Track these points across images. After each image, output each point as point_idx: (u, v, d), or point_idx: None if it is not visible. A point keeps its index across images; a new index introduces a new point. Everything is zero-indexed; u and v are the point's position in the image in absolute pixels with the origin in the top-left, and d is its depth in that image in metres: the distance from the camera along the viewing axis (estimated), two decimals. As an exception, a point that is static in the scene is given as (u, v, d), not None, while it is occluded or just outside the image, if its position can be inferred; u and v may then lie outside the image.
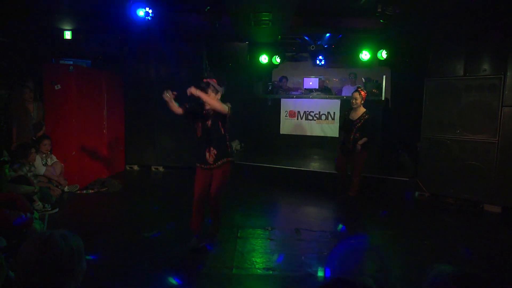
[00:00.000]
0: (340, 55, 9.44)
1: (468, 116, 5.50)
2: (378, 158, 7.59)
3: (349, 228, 4.50)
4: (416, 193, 5.98)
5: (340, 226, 4.20)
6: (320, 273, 3.25)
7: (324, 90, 9.16)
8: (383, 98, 7.85)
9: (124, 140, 7.74)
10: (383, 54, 8.29)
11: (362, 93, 5.43)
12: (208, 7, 5.75)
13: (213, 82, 3.55)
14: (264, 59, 9.02)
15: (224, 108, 3.47)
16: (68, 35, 6.73)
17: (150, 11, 6.17)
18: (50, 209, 4.80)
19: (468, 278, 1.11)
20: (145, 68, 7.64)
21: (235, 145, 8.92)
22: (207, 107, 3.54)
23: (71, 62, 5.97)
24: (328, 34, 7.87)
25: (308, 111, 8.21)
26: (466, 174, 5.53)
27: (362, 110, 5.44)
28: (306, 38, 8.47)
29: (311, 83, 9.12)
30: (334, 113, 8.01)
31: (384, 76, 7.93)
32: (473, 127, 5.47)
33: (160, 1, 5.82)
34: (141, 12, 6.05)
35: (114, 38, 7.31)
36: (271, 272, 3.29)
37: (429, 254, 3.80)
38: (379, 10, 5.44)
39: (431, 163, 5.91)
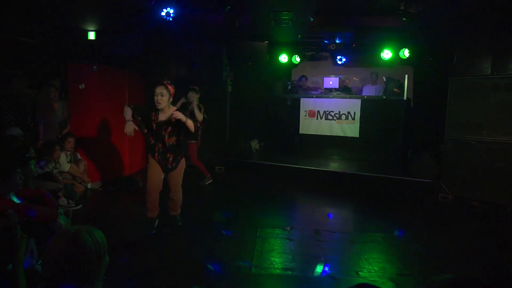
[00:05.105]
0: (361, 54, 9.30)
1: (495, 117, 5.32)
2: (400, 158, 7.45)
3: (369, 230, 4.44)
4: (439, 196, 5.84)
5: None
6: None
7: (344, 90, 9.05)
8: (405, 98, 7.69)
9: (145, 139, 7.86)
10: (405, 53, 8.14)
11: (170, 88, 3.91)
12: (229, 7, 5.78)
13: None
14: (283, 58, 9.00)
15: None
16: (92, 35, 6.89)
17: (172, 11, 6.26)
18: (74, 205, 4.93)
19: (466, 283, 1.04)
20: (166, 67, 7.74)
21: (254, 144, 8.92)
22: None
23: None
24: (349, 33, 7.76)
25: (328, 111, 8.13)
26: (492, 177, 5.35)
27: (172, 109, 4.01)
28: (326, 42, 8.39)
29: (331, 82, 9.02)
30: (354, 113, 7.90)
31: (406, 75, 7.76)
32: (501, 128, 5.28)
33: (182, 1, 5.88)
34: (163, 13, 6.14)
35: (136, 38, 7.44)
36: (290, 273, 3.27)
37: (451, 258, 3.70)
38: (402, 7, 5.35)
39: (455, 165, 5.74)
